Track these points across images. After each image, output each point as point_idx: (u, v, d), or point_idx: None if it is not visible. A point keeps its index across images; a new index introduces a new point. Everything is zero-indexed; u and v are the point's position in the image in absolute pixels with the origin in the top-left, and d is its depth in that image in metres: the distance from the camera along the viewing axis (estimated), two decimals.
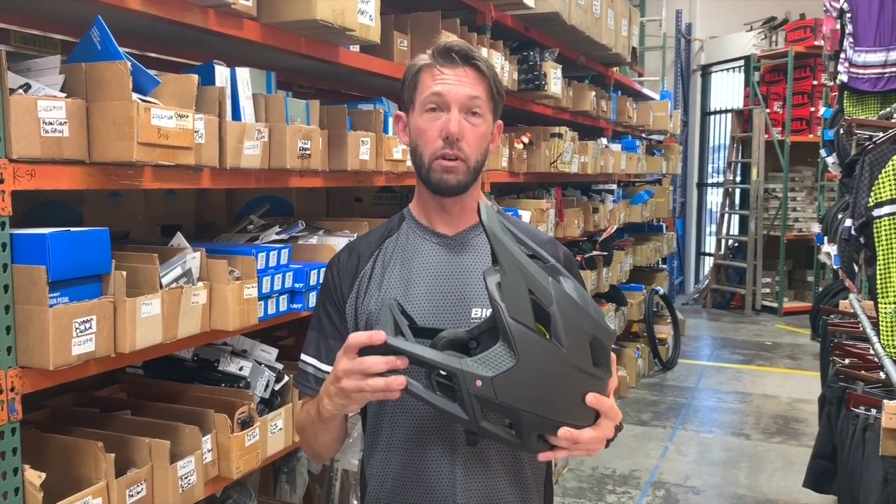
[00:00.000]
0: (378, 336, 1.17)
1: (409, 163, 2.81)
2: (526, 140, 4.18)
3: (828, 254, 4.71)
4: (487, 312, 1.39)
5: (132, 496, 1.79)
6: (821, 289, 7.99)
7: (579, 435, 1.19)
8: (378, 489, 1.45)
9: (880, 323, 2.85)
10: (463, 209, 1.48)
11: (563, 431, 1.18)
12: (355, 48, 2.65)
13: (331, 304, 1.49)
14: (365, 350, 1.19)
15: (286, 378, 2.39)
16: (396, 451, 1.42)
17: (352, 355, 1.19)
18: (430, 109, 1.40)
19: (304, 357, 1.50)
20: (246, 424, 2.14)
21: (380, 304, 1.42)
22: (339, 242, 2.50)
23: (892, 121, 3.79)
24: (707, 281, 10.33)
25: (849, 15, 4.61)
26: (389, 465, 1.43)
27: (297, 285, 2.29)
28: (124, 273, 1.70)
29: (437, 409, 1.18)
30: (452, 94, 1.39)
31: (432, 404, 1.17)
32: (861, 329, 3.47)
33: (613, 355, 1.27)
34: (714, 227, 10.57)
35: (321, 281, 1.56)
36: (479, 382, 1.14)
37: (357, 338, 1.18)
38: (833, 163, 4.84)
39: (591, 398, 1.20)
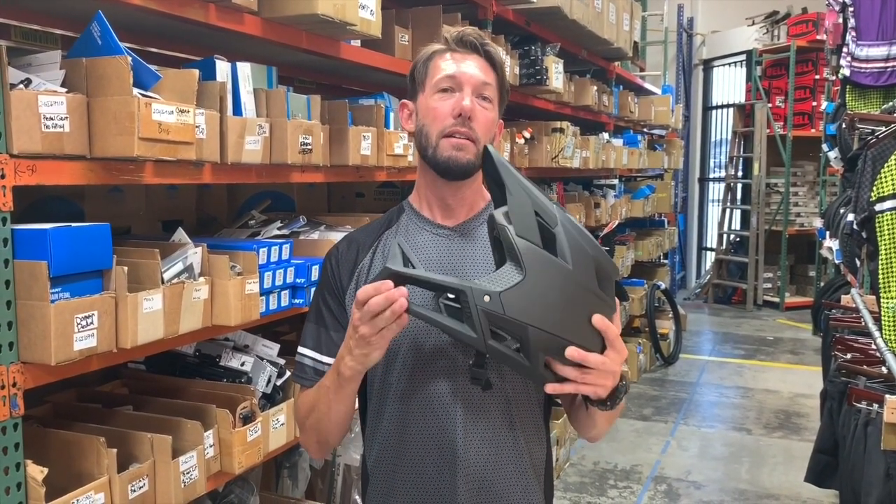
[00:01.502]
0: (385, 285, 1.20)
1: (410, 157, 2.81)
2: (527, 135, 4.18)
3: (830, 248, 4.71)
4: None
5: (134, 491, 1.79)
6: (822, 284, 7.98)
7: (587, 356, 1.21)
8: (379, 481, 1.45)
9: (882, 318, 2.85)
10: (463, 199, 1.47)
11: (571, 350, 1.20)
12: (356, 43, 2.64)
13: (330, 294, 1.48)
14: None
15: (288, 373, 2.40)
16: (397, 446, 1.42)
17: (361, 304, 1.22)
18: (442, 90, 1.41)
19: (301, 350, 1.49)
20: (248, 419, 2.14)
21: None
22: (340, 238, 2.49)
23: (895, 115, 3.78)
24: (709, 276, 10.32)
25: (851, 9, 4.59)
26: (389, 455, 1.43)
27: (298, 280, 2.29)
28: (126, 268, 1.70)
29: (444, 328, 1.20)
30: (466, 76, 1.40)
31: (439, 323, 1.20)
32: (863, 324, 3.47)
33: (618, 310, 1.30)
34: (713, 220, 10.57)
35: (320, 272, 1.55)
36: (487, 297, 1.17)
37: (365, 291, 1.21)
38: (835, 157, 4.83)
39: (598, 319, 1.22)
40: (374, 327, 1.21)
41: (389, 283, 1.20)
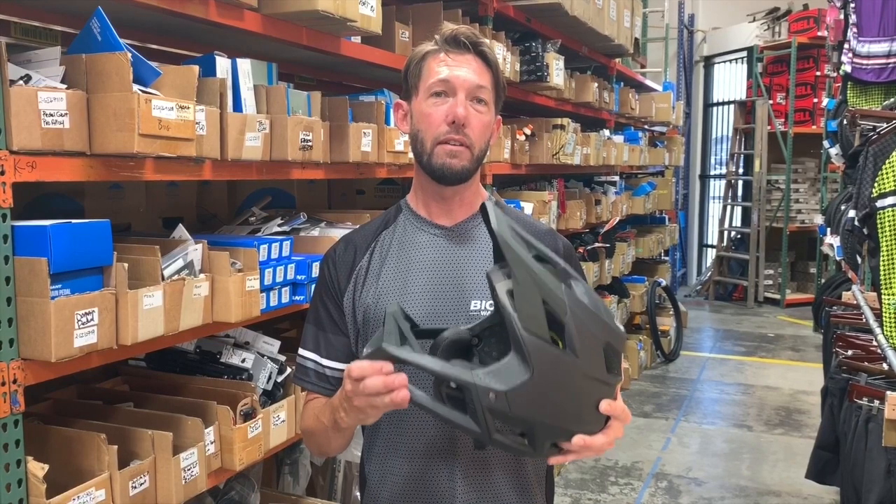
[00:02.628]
0: (387, 367, 1.15)
1: (410, 154, 2.80)
2: (528, 132, 4.17)
3: (831, 245, 4.70)
4: (486, 304, 1.38)
5: (135, 488, 1.79)
6: (823, 280, 7.98)
7: (592, 441, 1.19)
8: (378, 487, 1.45)
9: (883, 314, 2.85)
10: (462, 200, 1.47)
11: (577, 439, 1.17)
12: (357, 39, 2.64)
13: (328, 297, 1.48)
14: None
15: (288, 370, 2.39)
16: (395, 453, 1.42)
17: (355, 381, 1.18)
18: (435, 94, 1.39)
19: (302, 352, 1.48)
20: (248, 416, 2.14)
21: (377, 297, 1.41)
22: (340, 234, 2.48)
23: None
24: (709, 273, 10.32)
25: (853, 5, 4.58)
26: (388, 467, 1.43)
27: (299, 277, 2.29)
28: (126, 265, 1.70)
29: (447, 421, 1.15)
30: (460, 80, 1.38)
31: (442, 416, 1.15)
32: (864, 320, 3.47)
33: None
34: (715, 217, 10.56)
35: (318, 274, 1.54)
36: (492, 395, 1.11)
37: (361, 370, 1.16)
38: (836, 154, 4.82)
39: (605, 406, 1.19)
40: (368, 403, 1.18)
41: (388, 365, 1.15)
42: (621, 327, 1.21)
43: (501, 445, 1.17)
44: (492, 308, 1.26)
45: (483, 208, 1.21)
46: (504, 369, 1.12)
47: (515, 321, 1.11)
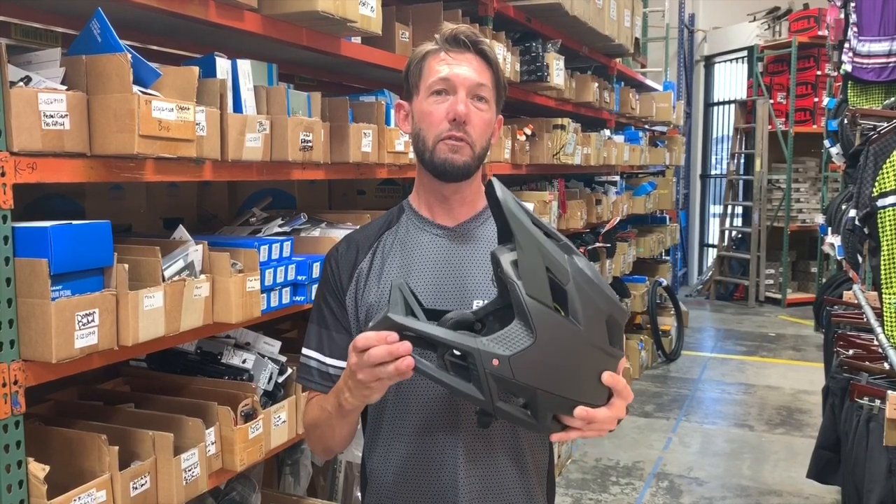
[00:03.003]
0: (392, 336, 1.15)
1: (411, 155, 2.81)
2: (528, 132, 4.17)
3: (831, 244, 4.70)
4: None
5: (136, 489, 1.79)
6: (824, 280, 7.98)
7: (595, 414, 1.19)
8: (379, 484, 1.45)
9: (884, 313, 2.84)
10: (463, 199, 1.47)
11: (580, 411, 1.17)
12: (357, 40, 2.64)
13: (331, 295, 1.48)
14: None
15: (289, 370, 2.39)
16: (397, 446, 1.42)
17: (360, 351, 1.18)
18: (436, 93, 1.39)
19: (305, 351, 1.49)
20: (249, 417, 2.15)
21: (380, 297, 1.42)
22: (341, 235, 2.48)
23: None
24: (710, 272, 10.32)
25: (853, 4, 4.58)
26: (391, 459, 1.43)
27: (299, 278, 2.29)
28: (126, 266, 1.70)
29: (451, 388, 1.16)
30: (460, 78, 1.38)
31: (446, 384, 1.16)
32: (865, 320, 3.46)
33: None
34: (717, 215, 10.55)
35: (321, 273, 1.55)
36: (495, 361, 1.12)
37: (366, 339, 1.16)
38: (837, 153, 4.82)
39: (608, 377, 1.20)
40: (373, 375, 1.17)
41: (393, 334, 1.15)
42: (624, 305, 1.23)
43: (504, 414, 1.17)
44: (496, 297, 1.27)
45: (489, 183, 1.23)
46: (508, 336, 1.14)
47: (519, 288, 1.13)
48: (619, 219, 5.77)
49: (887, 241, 2.78)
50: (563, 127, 4.43)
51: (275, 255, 2.20)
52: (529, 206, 3.96)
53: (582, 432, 1.22)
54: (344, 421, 1.37)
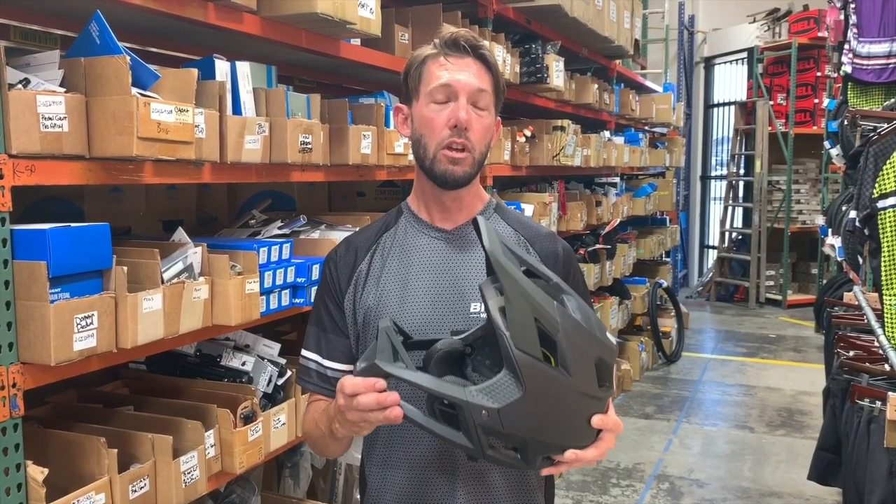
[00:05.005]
0: (380, 383, 1.16)
1: (410, 157, 2.80)
2: (528, 133, 4.17)
3: (832, 246, 4.70)
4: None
5: (135, 491, 1.79)
6: (825, 281, 7.98)
7: (584, 455, 1.21)
8: (378, 490, 1.45)
9: (885, 315, 2.84)
10: (462, 203, 1.47)
11: (569, 454, 1.19)
12: (356, 41, 2.64)
13: (329, 298, 1.48)
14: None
15: (289, 373, 2.39)
16: (395, 460, 1.42)
17: (348, 395, 1.18)
18: (436, 99, 1.39)
19: (304, 353, 1.49)
20: (249, 419, 2.14)
21: (378, 299, 1.42)
22: (340, 237, 2.48)
23: None
24: (711, 274, 10.31)
25: (853, 5, 4.58)
26: (388, 474, 1.43)
27: (299, 280, 2.29)
28: (125, 268, 1.70)
29: (440, 438, 1.16)
30: (461, 84, 1.38)
31: (435, 433, 1.16)
32: (865, 321, 3.46)
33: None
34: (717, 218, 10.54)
35: (321, 275, 1.55)
36: (485, 413, 1.12)
37: (353, 386, 1.17)
38: (837, 154, 4.82)
39: (597, 420, 1.21)
40: (361, 418, 1.19)
41: (381, 381, 1.16)
42: (613, 340, 1.23)
43: (494, 460, 1.18)
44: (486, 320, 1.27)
45: (475, 223, 1.22)
46: (496, 387, 1.13)
47: (508, 340, 1.12)
48: (619, 220, 5.76)
49: (888, 242, 2.78)
50: (562, 128, 4.43)
51: (274, 258, 2.20)
52: (529, 208, 3.97)
53: (570, 466, 1.23)
54: (336, 442, 1.40)
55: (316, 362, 1.47)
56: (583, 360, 1.16)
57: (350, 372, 1.40)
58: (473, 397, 1.12)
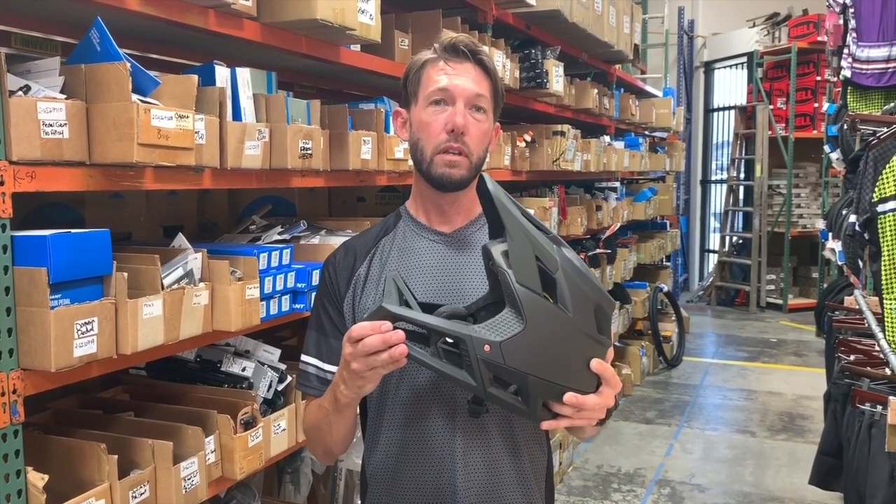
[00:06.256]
0: (386, 325, 1.17)
1: (410, 162, 2.81)
2: (528, 138, 4.17)
3: (832, 250, 4.70)
4: None
5: (135, 497, 1.79)
6: (826, 285, 7.96)
7: (584, 400, 1.21)
8: (379, 486, 1.45)
9: (885, 319, 2.84)
10: (461, 206, 1.48)
11: (569, 397, 1.20)
12: (356, 47, 2.64)
13: (329, 302, 1.49)
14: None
15: (289, 378, 2.39)
16: (396, 448, 1.42)
17: (354, 342, 1.20)
18: (434, 103, 1.40)
19: (304, 357, 1.49)
20: (249, 425, 2.14)
21: (377, 302, 1.42)
22: (341, 242, 2.48)
23: None
24: (711, 278, 10.31)
25: (852, 10, 4.59)
26: (389, 461, 1.43)
27: (299, 285, 2.29)
28: (126, 274, 1.70)
29: (443, 374, 1.18)
30: (459, 88, 1.39)
31: (438, 370, 1.18)
32: (866, 325, 3.46)
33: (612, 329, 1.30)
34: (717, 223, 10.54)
35: (318, 280, 1.56)
36: (487, 347, 1.15)
37: (360, 329, 1.18)
38: (837, 159, 4.82)
39: (596, 364, 1.22)
40: (367, 365, 1.19)
41: (387, 323, 1.18)
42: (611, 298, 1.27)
43: (496, 399, 1.20)
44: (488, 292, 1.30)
45: (480, 179, 1.26)
46: (499, 322, 1.17)
47: (510, 276, 1.17)
48: (619, 225, 5.76)
49: (887, 246, 2.78)
50: (562, 133, 4.44)
51: (274, 263, 2.20)
52: (529, 212, 3.97)
53: (571, 420, 1.24)
54: (340, 416, 1.38)
55: (316, 366, 1.47)
56: (582, 300, 1.19)
57: None
58: (476, 332, 1.16)
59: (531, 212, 1.28)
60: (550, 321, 1.17)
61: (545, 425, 1.25)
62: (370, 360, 1.18)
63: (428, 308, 1.26)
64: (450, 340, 1.19)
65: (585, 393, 1.22)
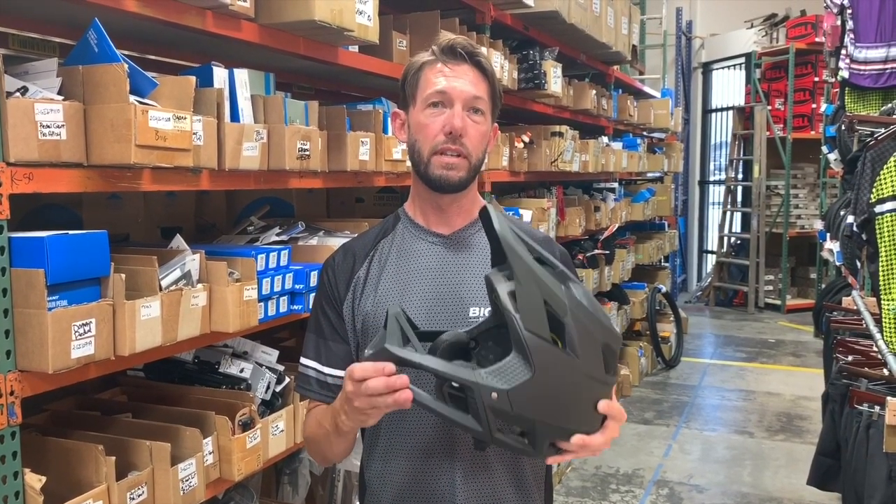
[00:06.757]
0: (389, 368, 1.16)
1: (408, 163, 2.80)
2: (526, 139, 4.18)
3: (830, 250, 4.71)
4: (485, 311, 1.39)
5: (133, 499, 1.79)
6: (824, 286, 7.97)
7: (591, 441, 1.21)
8: (378, 493, 1.45)
9: (883, 319, 2.84)
10: (460, 208, 1.48)
11: (577, 438, 1.19)
12: (354, 48, 2.64)
13: (328, 305, 1.48)
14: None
15: (287, 379, 2.39)
16: (396, 454, 1.42)
17: (356, 381, 1.18)
18: (432, 105, 1.40)
19: (303, 361, 1.49)
20: (247, 426, 2.14)
21: (376, 305, 1.42)
22: (339, 243, 2.48)
23: (894, 117, 3.78)
24: (710, 279, 10.31)
25: (849, 11, 4.59)
26: (389, 468, 1.43)
27: (297, 286, 2.29)
28: (123, 276, 1.70)
29: (449, 420, 1.16)
30: (457, 91, 1.39)
31: (444, 416, 1.16)
32: (864, 326, 3.46)
33: None
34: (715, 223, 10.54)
35: (317, 282, 1.55)
36: (494, 395, 1.13)
37: (363, 370, 1.17)
38: (835, 159, 4.83)
39: (604, 405, 1.21)
40: (370, 404, 1.18)
41: (390, 365, 1.16)
42: (617, 329, 1.24)
43: (502, 444, 1.18)
44: (490, 314, 1.28)
45: (484, 210, 1.23)
46: (506, 369, 1.14)
47: (517, 321, 1.13)
48: (617, 225, 5.77)
49: (885, 247, 2.78)
50: (560, 134, 4.44)
51: (272, 264, 2.20)
52: (528, 214, 3.97)
53: (577, 454, 1.23)
54: (341, 439, 1.38)
55: (315, 370, 1.47)
56: (590, 344, 1.17)
57: None
58: (483, 379, 1.13)
59: (528, 215, 1.26)
60: (558, 367, 1.15)
61: (550, 460, 1.25)
62: (373, 400, 1.17)
63: (429, 336, 1.24)
64: (455, 385, 1.16)
65: (591, 432, 1.21)
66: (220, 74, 2.05)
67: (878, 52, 4.53)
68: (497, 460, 1.40)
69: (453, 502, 1.38)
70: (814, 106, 9.03)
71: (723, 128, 11.02)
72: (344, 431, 1.31)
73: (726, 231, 10.11)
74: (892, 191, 2.77)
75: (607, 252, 5.48)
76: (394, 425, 1.41)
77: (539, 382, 1.13)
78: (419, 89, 1.42)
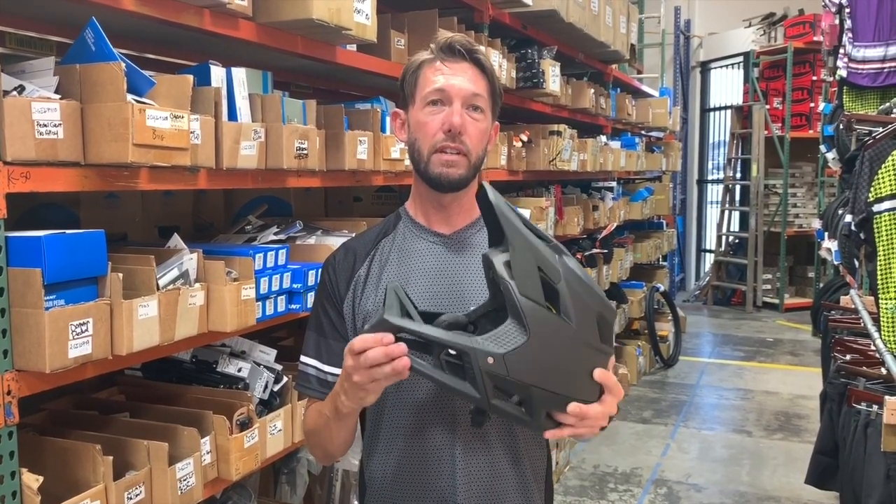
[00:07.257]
0: (388, 338, 1.16)
1: (407, 162, 2.81)
2: (525, 138, 4.17)
3: (828, 250, 4.71)
4: None
5: (130, 499, 1.78)
6: (822, 285, 7.98)
7: (588, 410, 1.21)
8: (378, 489, 1.45)
9: (881, 318, 2.84)
10: (461, 207, 1.47)
11: (573, 407, 1.20)
12: (352, 47, 2.64)
13: (328, 303, 1.48)
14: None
15: (285, 379, 2.39)
16: (395, 451, 1.42)
17: (356, 354, 1.18)
18: (431, 103, 1.39)
19: (303, 359, 1.49)
20: (245, 426, 2.14)
21: (377, 304, 1.42)
22: (337, 242, 2.49)
23: (892, 115, 3.78)
24: (708, 278, 10.32)
25: (848, 10, 4.60)
26: (389, 464, 1.43)
27: (295, 286, 2.28)
28: (121, 275, 1.69)
29: (447, 387, 1.18)
30: (455, 88, 1.38)
31: (442, 382, 1.18)
32: (862, 325, 3.46)
33: None
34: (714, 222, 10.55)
35: (317, 281, 1.55)
36: (490, 359, 1.14)
37: (363, 342, 1.17)
38: (833, 158, 4.83)
39: (599, 373, 1.22)
40: (369, 377, 1.18)
41: (389, 335, 1.16)
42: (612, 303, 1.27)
43: (499, 411, 1.19)
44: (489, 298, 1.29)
45: (481, 188, 1.25)
46: (502, 334, 1.16)
47: (513, 287, 1.16)
48: (615, 224, 5.76)
49: (883, 246, 2.78)
50: (559, 133, 4.44)
51: (270, 263, 2.20)
52: (526, 213, 3.97)
53: (575, 429, 1.23)
54: (341, 424, 1.37)
55: (315, 368, 1.47)
56: (584, 311, 1.19)
57: None
58: (479, 344, 1.15)
59: (527, 213, 1.28)
60: (553, 332, 1.17)
61: (548, 434, 1.25)
62: (372, 372, 1.17)
63: (428, 317, 1.25)
64: (452, 352, 1.17)
65: (589, 402, 1.22)
66: (217, 73, 2.05)
67: (877, 51, 4.53)
68: (498, 454, 1.40)
69: (453, 492, 1.37)
70: (812, 105, 9.04)
71: (721, 127, 11.03)
72: (344, 414, 1.31)
73: (724, 230, 10.12)
74: (891, 190, 2.77)
75: (605, 251, 5.48)
76: (394, 424, 1.41)
77: (534, 347, 1.15)
78: (418, 88, 1.42)
